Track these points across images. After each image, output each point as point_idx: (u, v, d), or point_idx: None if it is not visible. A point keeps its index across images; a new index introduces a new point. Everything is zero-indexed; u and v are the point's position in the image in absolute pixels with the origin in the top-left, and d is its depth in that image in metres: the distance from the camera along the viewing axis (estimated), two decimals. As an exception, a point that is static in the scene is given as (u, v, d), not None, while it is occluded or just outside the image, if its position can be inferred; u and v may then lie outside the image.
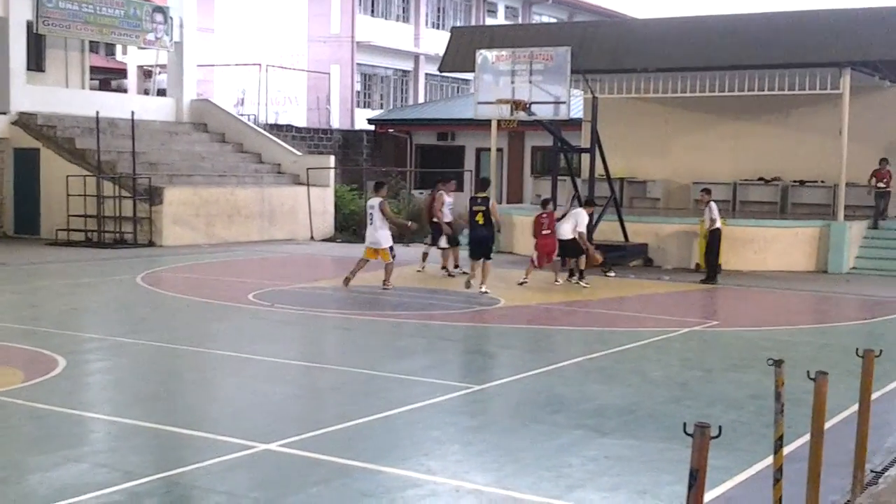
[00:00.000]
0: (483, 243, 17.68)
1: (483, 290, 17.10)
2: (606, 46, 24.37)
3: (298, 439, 7.80)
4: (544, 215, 18.97)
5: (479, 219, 17.57)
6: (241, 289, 17.07)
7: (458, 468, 7.26)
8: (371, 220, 17.38)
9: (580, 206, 20.48)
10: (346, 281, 17.38)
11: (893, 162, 23.89)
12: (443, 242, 20.06)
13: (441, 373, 10.77)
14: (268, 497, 6.53)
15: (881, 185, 23.25)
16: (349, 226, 30.21)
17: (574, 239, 18.83)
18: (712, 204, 20.12)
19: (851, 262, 22.48)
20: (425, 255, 20.87)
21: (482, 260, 17.57)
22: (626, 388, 10.18)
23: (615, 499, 6.68)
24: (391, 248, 17.41)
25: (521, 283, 18.42)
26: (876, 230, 23.48)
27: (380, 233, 17.25)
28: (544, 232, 18.79)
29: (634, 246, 22.71)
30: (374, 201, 17.41)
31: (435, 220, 20.05)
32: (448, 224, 20.00)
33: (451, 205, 20.34)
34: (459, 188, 35.91)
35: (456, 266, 19.99)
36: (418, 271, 20.31)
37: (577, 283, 18.78)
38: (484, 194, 18.06)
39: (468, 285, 17.53)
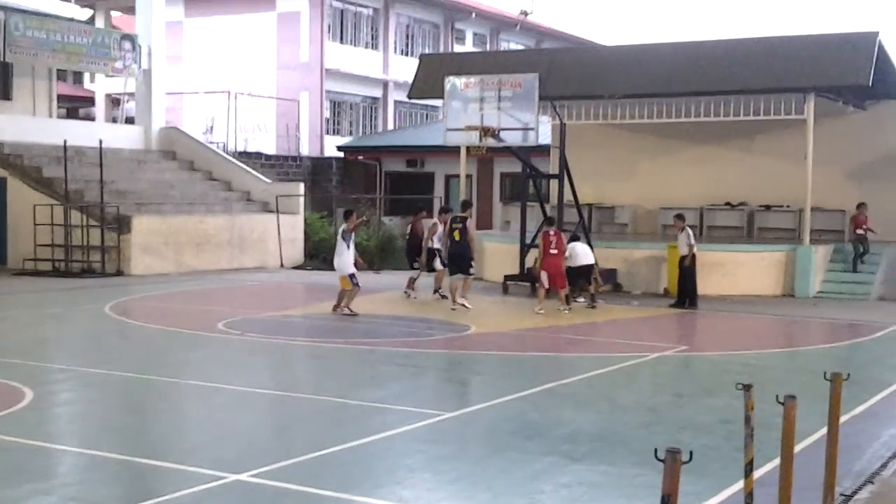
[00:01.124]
0: (459, 259, 18.67)
1: (463, 303, 18.10)
2: (574, 73, 24.55)
3: (269, 469, 7.76)
4: (552, 233, 19.00)
5: (457, 236, 18.60)
6: (211, 317, 16.99)
7: (431, 496, 7.24)
8: (337, 246, 17.82)
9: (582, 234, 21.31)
10: (335, 308, 17.77)
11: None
12: (437, 264, 20.28)
13: (413, 400, 10.75)
14: (239, 528, 6.49)
15: (860, 231, 23.12)
16: (319, 253, 30.15)
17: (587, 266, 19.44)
18: (688, 230, 20.23)
19: (818, 286, 22.66)
20: (413, 280, 20.86)
21: (461, 276, 18.59)
22: (598, 413, 10.21)
23: (588, 525, 6.68)
24: (352, 275, 17.44)
25: (538, 312, 18.25)
26: (841, 254, 23.67)
27: (342, 258, 17.55)
28: (552, 251, 18.75)
29: (604, 271, 22.77)
30: (341, 228, 18.15)
31: (430, 246, 20.39)
32: (437, 251, 20.31)
33: (441, 234, 20.37)
34: (430, 215, 36.16)
35: (438, 288, 20.59)
36: (409, 297, 20.56)
37: (566, 310, 18.61)
38: (464, 214, 19.21)
39: (454, 306, 18.37)
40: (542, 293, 18.70)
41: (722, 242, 24.14)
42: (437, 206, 36.46)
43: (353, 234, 17.83)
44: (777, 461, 6.11)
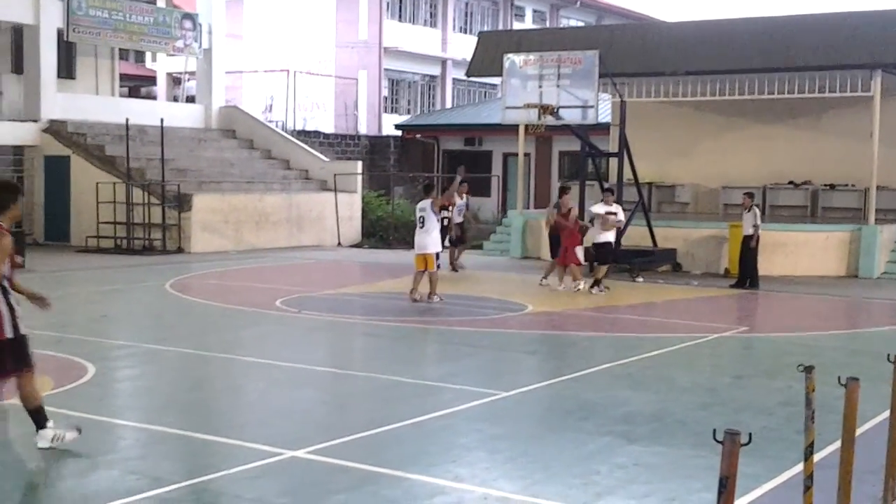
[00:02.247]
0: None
1: (435, 298, 16.34)
2: (635, 50, 24.29)
3: (325, 446, 7.80)
4: (569, 209, 18.89)
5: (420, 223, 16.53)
6: (269, 295, 17.12)
7: (486, 475, 7.23)
8: (422, 223, 16.39)
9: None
10: (412, 293, 16.57)
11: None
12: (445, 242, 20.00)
13: (468, 379, 10.75)
14: (295, 504, 6.53)
15: None
16: (376, 232, 30.26)
17: (605, 243, 18.51)
18: (756, 209, 19.93)
19: (883, 267, 22.27)
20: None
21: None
22: (655, 394, 10.12)
23: (644, 507, 6.64)
24: (437, 255, 16.44)
25: (576, 290, 18.22)
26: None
27: (430, 237, 16.33)
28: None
29: (663, 251, 22.59)
30: (425, 203, 16.43)
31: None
32: (458, 225, 20.21)
33: (462, 207, 20.27)
34: (487, 193, 36.03)
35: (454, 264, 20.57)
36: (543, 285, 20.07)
37: (590, 291, 18.14)
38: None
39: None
40: (578, 272, 18.61)
41: (785, 222, 23.77)
42: (495, 184, 36.53)
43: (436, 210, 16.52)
44: (838, 444, 5.99)
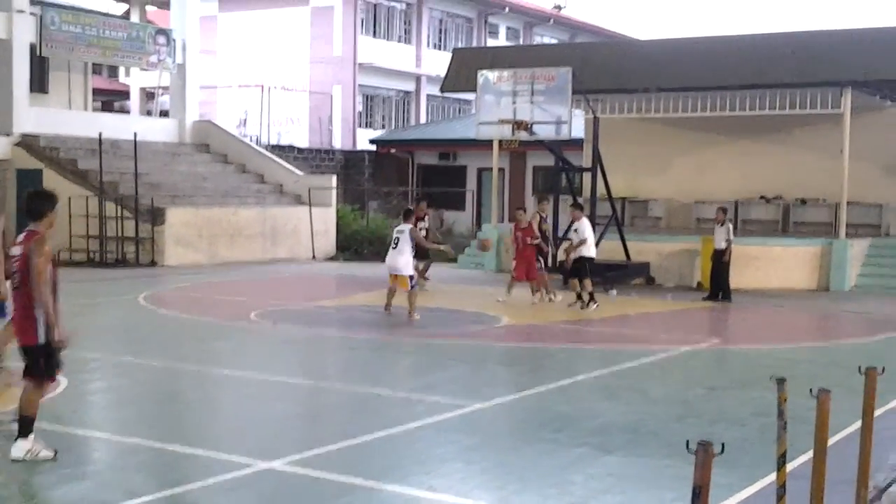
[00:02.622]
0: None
1: (415, 316, 16.15)
2: (608, 67, 24.45)
3: (300, 458, 7.79)
4: (528, 224, 18.95)
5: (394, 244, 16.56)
6: (243, 308, 17.07)
7: (462, 486, 7.24)
8: (395, 244, 16.42)
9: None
10: (387, 308, 16.66)
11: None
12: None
13: (443, 391, 10.75)
14: (270, 515, 6.51)
15: None
16: (350, 245, 30.24)
17: (581, 258, 18.36)
18: (729, 224, 20.08)
19: (853, 280, 22.47)
20: None
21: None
22: (629, 406, 10.16)
23: (618, 516, 6.66)
24: (412, 277, 16.42)
25: (549, 301, 18.58)
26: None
27: (402, 258, 16.31)
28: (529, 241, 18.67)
29: (636, 264, 22.71)
30: (405, 227, 16.54)
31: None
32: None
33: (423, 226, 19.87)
34: (461, 207, 36.11)
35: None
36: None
37: (585, 306, 18.11)
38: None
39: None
40: (541, 288, 18.88)
41: (757, 236, 23.97)
42: (470, 199, 36.59)
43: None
44: (810, 454, 6.05)
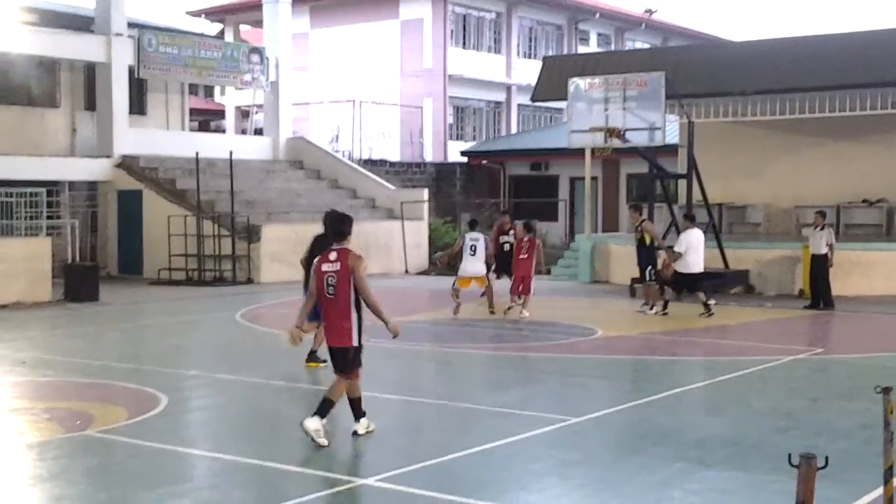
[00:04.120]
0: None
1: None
2: (701, 70, 24.11)
3: (396, 474, 7.77)
4: (525, 239, 18.46)
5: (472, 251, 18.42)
6: (339, 323, 17.13)
7: (558, 502, 7.14)
8: (473, 251, 18.14)
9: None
10: (456, 311, 18.07)
11: None
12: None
13: (539, 405, 10.66)
14: (366, 533, 6.50)
15: None
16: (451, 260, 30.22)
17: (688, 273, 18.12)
18: (829, 228, 19.58)
19: (963, 285, 21.69)
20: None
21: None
22: (730, 418, 9.94)
23: (720, 534, 6.49)
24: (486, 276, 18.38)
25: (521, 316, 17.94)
26: None
27: (480, 263, 18.22)
28: (521, 256, 18.23)
29: (735, 273, 22.28)
30: (479, 235, 18.44)
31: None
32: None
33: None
34: (554, 218, 35.89)
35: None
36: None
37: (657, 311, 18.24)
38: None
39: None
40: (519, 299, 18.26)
41: (860, 241, 23.31)
42: (562, 208, 36.34)
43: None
44: (921, 468, 5.82)
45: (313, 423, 8.65)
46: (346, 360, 8.93)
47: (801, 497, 4.19)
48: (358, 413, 9.12)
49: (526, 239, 18.45)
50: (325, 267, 8.80)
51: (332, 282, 8.73)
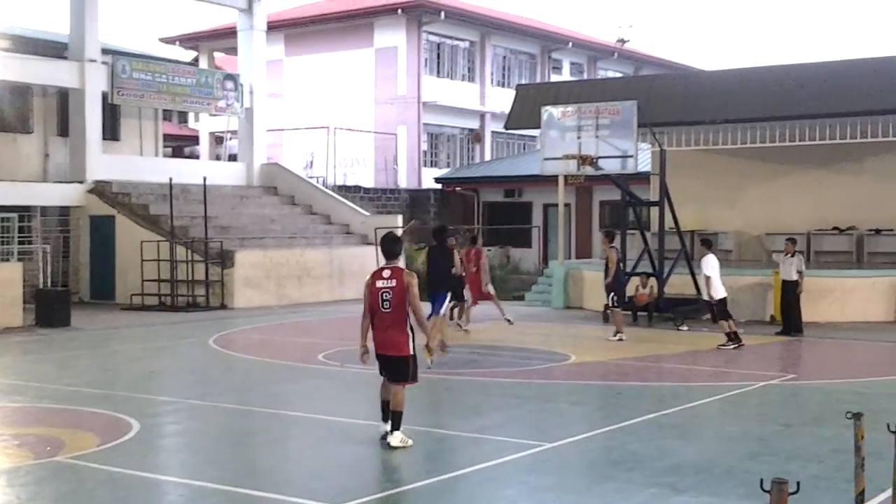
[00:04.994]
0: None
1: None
2: (673, 99, 24.31)
3: (370, 499, 7.75)
4: (472, 251, 19.94)
5: None
6: (312, 349, 17.14)
7: (531, 528, 7.14)
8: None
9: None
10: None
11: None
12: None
13: (512, 431, 10.67)
14: (339, 559, 6.47)
15: None
16: (418, 284, 30.23)
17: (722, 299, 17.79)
18: (800, 255, 19.73)
19: (932, 312, 21.91)
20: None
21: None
22: (702, 444, 9.98)
23: (693, 558, 6.51)
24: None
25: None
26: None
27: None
28: (473, 269, 19.67)
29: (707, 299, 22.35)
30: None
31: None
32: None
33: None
34: (527, 244, 36.02)
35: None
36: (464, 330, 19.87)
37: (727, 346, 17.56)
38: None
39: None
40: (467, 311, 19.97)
41: (830, 268, 23.48)
42: (536, 235, 36.46)
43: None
44: (889, 492, 5.87)
45: (396, 439, 9.49)
46: (406, 368, 9.65)
47: (772, 521, 4.22)
48: (396, 424, 9.62)
49: (473, 252, 19.10)
50: (379, 283, 9.63)
51: (387, 297, 9.56)
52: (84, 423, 11.01)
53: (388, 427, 9.64)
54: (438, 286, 17.45)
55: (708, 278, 17.72)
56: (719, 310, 17.83)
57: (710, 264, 17.81)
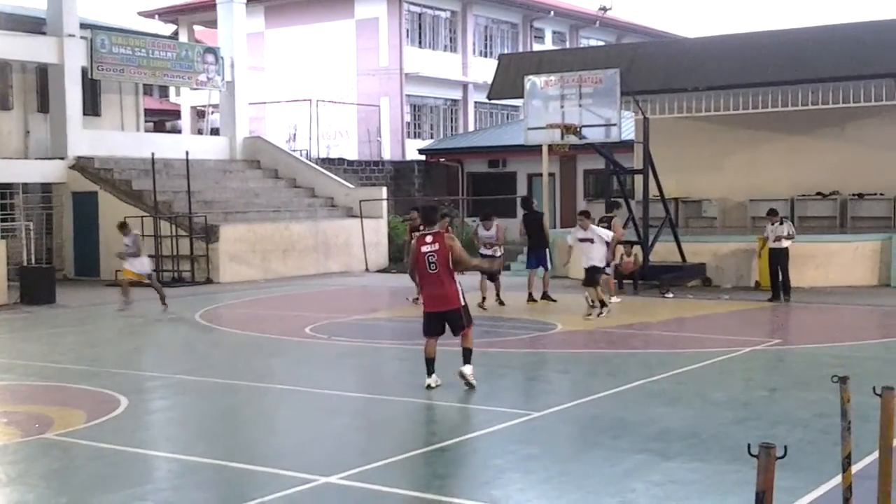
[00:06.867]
0: None
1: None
2: (656, 67, 24.27)
3: (359, 471, 7.77)
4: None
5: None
6: (298, 323, 17.15)
7: (522, 496, 7.18)
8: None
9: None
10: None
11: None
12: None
13: (500, 400, 10.71)
14: (330, 531, 6.50)
15: None
16: (403, 256, 30.27)
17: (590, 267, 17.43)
18: (788, 220, 19.80)
19: (915, 275, 22.04)
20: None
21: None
22: (689, 410, 10.03)
23: (682, 523, 6.55)
24: None
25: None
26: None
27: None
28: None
29: (692, 266, 22.46)
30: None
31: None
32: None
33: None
34: (513, 214, 36.02)
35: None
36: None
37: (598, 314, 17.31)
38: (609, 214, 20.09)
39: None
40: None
41: (814, 233, 23.59)
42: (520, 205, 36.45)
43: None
44: (876, 454, 5.91)
45: (468, 368, 10.81)
46: (461, 318, 10.89)
47: (760, 487, 4.23)
48: (467, 359, 10.92)
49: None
50: (424, 248, 10.86)
51: (432, 259, 10.78)
52: (72, 399, 11.00)
53: (461, 366, 10.86)
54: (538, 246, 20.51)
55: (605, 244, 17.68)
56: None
57: (606, 232, 17.98)
